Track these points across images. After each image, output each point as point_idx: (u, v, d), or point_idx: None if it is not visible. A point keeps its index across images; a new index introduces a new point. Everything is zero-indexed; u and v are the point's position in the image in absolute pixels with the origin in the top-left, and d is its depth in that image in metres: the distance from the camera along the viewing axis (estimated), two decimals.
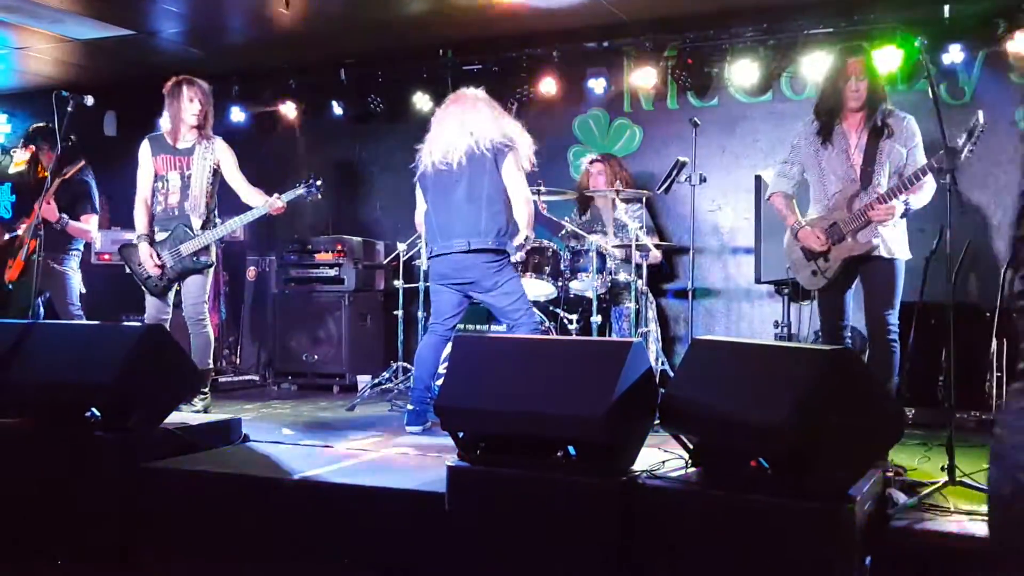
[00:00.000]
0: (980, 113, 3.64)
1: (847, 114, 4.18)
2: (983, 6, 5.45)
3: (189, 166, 5.01)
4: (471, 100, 4.60)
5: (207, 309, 5.08)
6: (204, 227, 4.98)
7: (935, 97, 3.58)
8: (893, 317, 4.08)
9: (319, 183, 5.14)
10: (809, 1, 5.80)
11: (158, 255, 4.96)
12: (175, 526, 3.50)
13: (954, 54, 5.56)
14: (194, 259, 4.95)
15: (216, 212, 5.11)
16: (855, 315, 4.32)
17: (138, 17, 6.28)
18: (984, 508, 2.86)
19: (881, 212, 4.00)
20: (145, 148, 5.10)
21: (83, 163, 5.79)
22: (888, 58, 5.59)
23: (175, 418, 4.04)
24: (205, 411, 4.92)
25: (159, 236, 5.03)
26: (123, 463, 3.54)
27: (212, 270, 5.07)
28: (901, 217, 4.07)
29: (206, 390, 5.07)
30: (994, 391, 5.00)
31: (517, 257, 5.14)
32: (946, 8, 5.44)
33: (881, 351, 4.07)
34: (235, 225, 5.08)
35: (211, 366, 5.18)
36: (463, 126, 4.50)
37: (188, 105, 4.99)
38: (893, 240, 4.11)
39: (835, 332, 4.28)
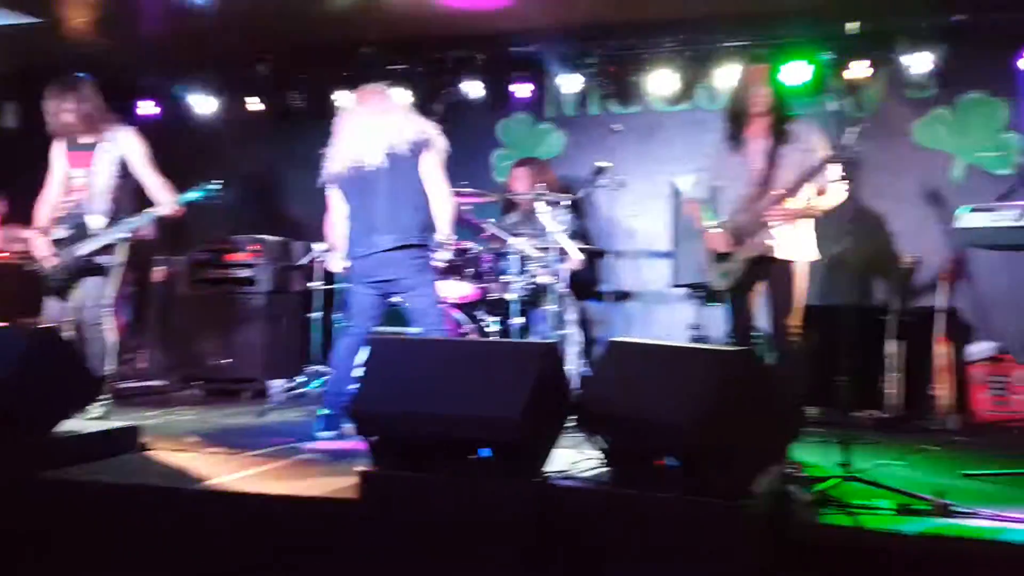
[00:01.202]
0: (859, 127, 3.81)
1: (753, 120, 4.35)
2: (885, 24, 5.70)
3: (92, 162, 4.87)
4: (380, 101, 4.57)
5: (107, 312, 4.88)
6: (108, 226, 4.84)
7: (838, 110, 3.74)
8: (791, 318, 4.26)
9: (219, 185, 4.95)
10: (725, 15, 5.97)
11: (55, 252, 4.80)
12: (68, 539, 3.31)
13: (857, 70, 5.80)
14: (91, 258, 4.80)
15: (128, 210, 4.95)
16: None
17: (45, 4, 6.04)
18: (879, 502, 3.02)
19: (775, 214, 4.19)
20: (59, 143, 4.98)
21: None
22: (797, 72, 5.81)
23: (69, 426, 3.86)
24: (103, 418, 4.76)
25: (60, 234, 4.87)
26: (12, 473, 3.38)
27: (116, 272, 4.88)
28: (802, 216, 4.25)
29: (105, 396, 4.90)
30: (890, 391, 5.25)
31: (442, 256, 5.07)
32: (851, 25, 5.66)
33: (782, 351, 4.25)
34: (132, 226, 4.87)
35: (110, 371, 5.01)
36: (377, 127, 4.45)
37: (65, 116, 4.85)
38: (795, 241, 4.28)
39: (744, 333, 4.44)
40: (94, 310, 4.84)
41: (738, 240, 4.32)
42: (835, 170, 4.23)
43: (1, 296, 6.02)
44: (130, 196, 4.98)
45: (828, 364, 5.21)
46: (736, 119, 4.40)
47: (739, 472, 2.79)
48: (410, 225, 4.44)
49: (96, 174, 4.86)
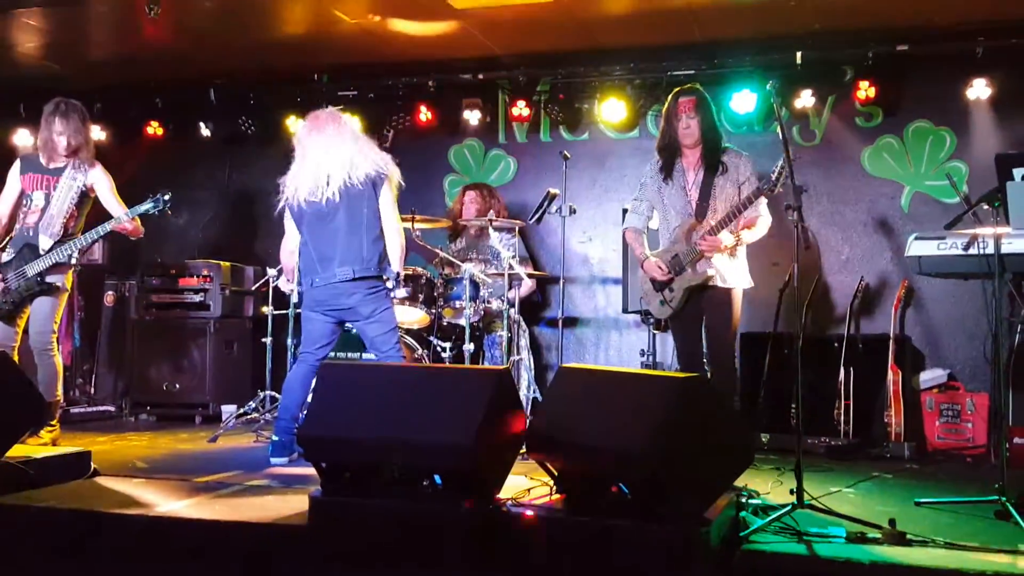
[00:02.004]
0: (783, 156, 3.87)
1: (685, 152, 4.47)
2: (832, 55, 5.82)
3: (55, 186, 4.84)
4: (333, 129, 4.53)
5: (55, 337, 4.81)
6: (56, 246, 4.76)
7: (784, 139, 3.80)
8: (731, 341, 4.37)
9: (167, 197, 4.86)
10: (673, 44, 6.06)
11: (3, 276, 4.70)
12: (15, 567, 3.25)
13: (805, 98, 5.91)
14: (39, 280, 4.70)
15: (76, 236, 4.88)
16: None
17: None
18: (830, 530, 3.02)
19: (707, 244, 4.29)
20: (15, 166, 4.98)
21: None
22: (744, 101, 5.91)
23: (18, 451, 3.78)
24: (53, 444, 4.65)
25: (5, 256, 4.77)
26: None
27: (64, 295, 4.83)
28: (734, 247, 4.36)
29: (54, 422, 4.79)
30: (842, 418, 5.30)
31: (399, 293, 5.09)
32: (798, 55, 5.77)
33: (721, 375, 4.34)
34: (81, 243, 4.81)
35: (59, 396, 4.90)
36: (333, 160, 4.44)
37: (58, 138, 4.86)
38: (729, 270, 4.40)
39: (690, 359, 4.51)
40: (40, 335, 4.76)
41: (676, 269, 4.37)
42: (763, 203, 4.36)
43: None
44: (81, 223, 4.94)
45: (782, 391, 5.30)
46: (667, 150, 4.47)
47: (691, 499, 2.78)
48: (367, 256, 4.46)
49: (57, 199, 4.82)
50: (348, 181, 4.42)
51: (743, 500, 3.33)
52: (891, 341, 5.36)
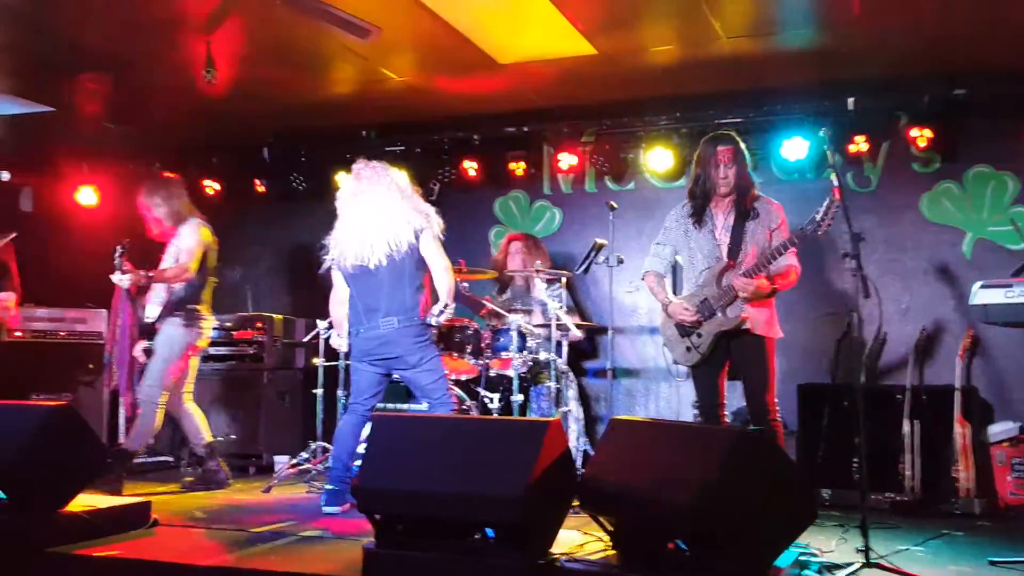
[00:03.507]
0: (834, 192, 3.81)
1: (716, 199, 4.39)
2: (885, 100, 5.74)
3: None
4: (376, 189, 4.59)
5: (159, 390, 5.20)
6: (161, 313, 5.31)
7: (840, 186, 3.74)
8: (771, 396, 4.23)
9: (118, 249, 5.09)
10: (720, 92, 6.02)
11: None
12: None
13: (859, 144, 5.81)
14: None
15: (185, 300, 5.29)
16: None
17: (58, 94, 6.17)
18: None
19: (741, 285, 4.18)
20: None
21: (13, 235, 5.61)
22: (795, 148, 5.84)
23: (83, 501, 3.86)
24: (116, 493, 4.74)
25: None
26: (26, 548, 3.38)
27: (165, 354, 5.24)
28: (767, 296, 4.26)
29: (119, 472, 4.99)
30: (908, 472, 5.11)
31: (438, 321, 5.07)
32: (850, 101, 5.70)
33: (763, 429, 4.17)
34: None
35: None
36: (375, 230, 4.50)
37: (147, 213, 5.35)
38: (761, 319, 4.28)
39: (711, 411, 4.39)
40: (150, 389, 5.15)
41: (706, 313, 4.29)
42: (792, 253, 4.28)
43: (19, 373, 6.11)
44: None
45: (843, 445, 5.13)
46: (702, 197, 4.43)
47: (752, 556, 2.68)
48: (412, 305, 4.51)
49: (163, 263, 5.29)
50: (391, 246, 4.48)
51: (807, 559, 3.20)
52: (957, 392, 5.17)
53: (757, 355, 4.25)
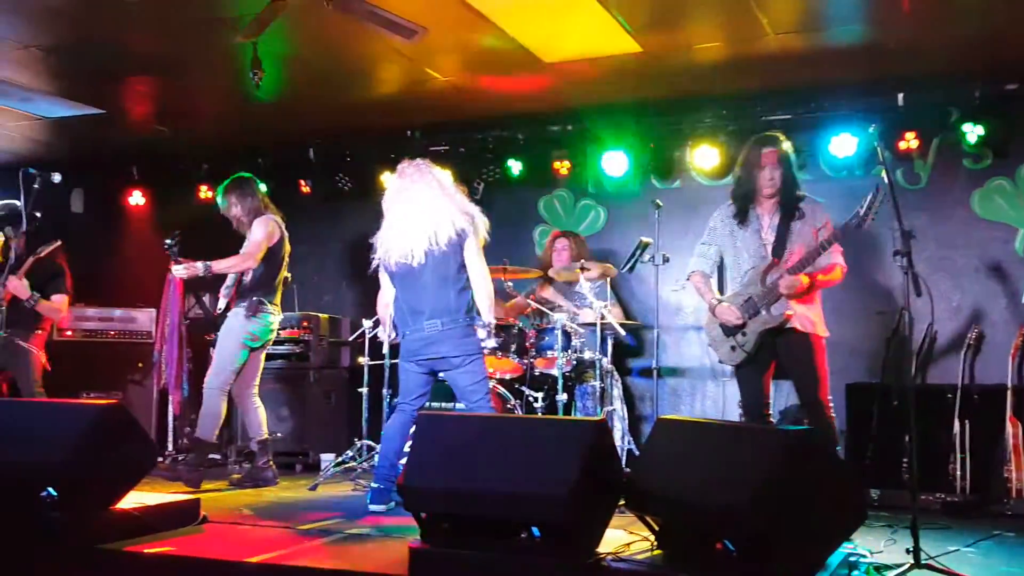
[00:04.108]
0: (879, 186, 3.76)
1: (761, 199, 4.38)
2: (935, 96, 5.64)
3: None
4: (420, 187, 4.58)
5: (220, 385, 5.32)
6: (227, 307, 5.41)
7: (890, 182, 3.69)
8: (824, 394, 4.21)
9: (168, 242, 5.16)
10: (767, 89, 5.97)
11: None
12: None
13: (909, 141, 5.72)
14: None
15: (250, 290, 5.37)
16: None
17: (107, 96, 6.31)
18: None
19: (786, 283, 4.18)
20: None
21: (59, 244, 5.74)
22: (843, 144, 5.77)
23: (134, 498, 3.92)
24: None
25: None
26: (79, 545, 3.43)
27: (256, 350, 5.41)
28: (807, 292, 4.24)
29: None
30: (958, 472, 5.02)
31: (489, 344, 5.11)
32: (900, 96, 5.62)
33: (821, 428, 4.16)
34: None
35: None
36: (418, 228, 4.50)
37: (232, 207, 5.44)
38: (807, 317, 4.26)
39: (757, 411, 4.37)
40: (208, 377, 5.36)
41: (750, 312, 4.25)
42: (837, 251, 4.27)
43: (70, 372, 6.25)
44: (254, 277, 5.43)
45: (893, 445, 5.05)
46: (746, 198, 4.43)
47: (801, 557, 2.66)
48: (456, 307, 4.51)
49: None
50: (432, 245, 4.47)
51: (856, 560, 3.17)
52: (1009, 391, 5.08)
53: (804, 352, 4.24)
